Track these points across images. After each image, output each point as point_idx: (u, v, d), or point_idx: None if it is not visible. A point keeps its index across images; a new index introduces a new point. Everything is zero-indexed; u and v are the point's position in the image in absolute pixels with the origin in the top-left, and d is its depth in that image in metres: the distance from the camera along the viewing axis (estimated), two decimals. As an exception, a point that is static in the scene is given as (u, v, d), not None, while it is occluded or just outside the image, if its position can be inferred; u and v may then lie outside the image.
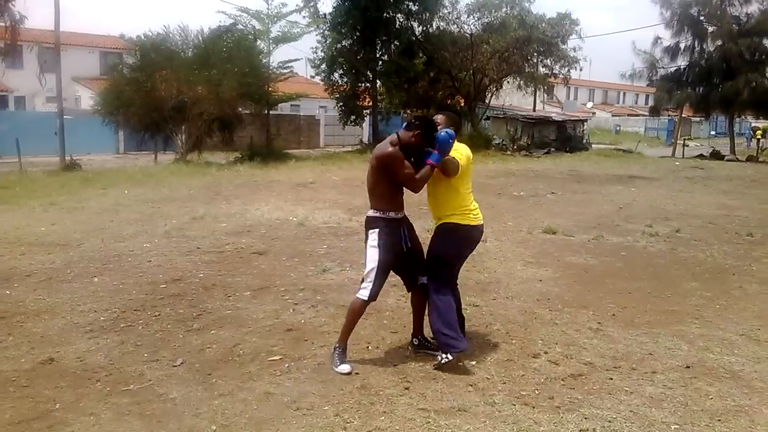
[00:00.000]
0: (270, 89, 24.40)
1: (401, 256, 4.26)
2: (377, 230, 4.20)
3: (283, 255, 7.29)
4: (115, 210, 10.22)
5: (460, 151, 4.24)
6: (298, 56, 49.00)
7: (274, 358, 4.21)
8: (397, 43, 28.92)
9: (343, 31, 27.65)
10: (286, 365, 4.09)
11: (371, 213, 4.29)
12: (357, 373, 3.98)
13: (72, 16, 67.04)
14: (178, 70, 20.03)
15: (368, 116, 31.76)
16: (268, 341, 4.52)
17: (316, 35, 28.35)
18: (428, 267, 4.29)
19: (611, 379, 4.00)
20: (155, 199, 11.69)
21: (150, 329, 4.72)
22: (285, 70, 25.86)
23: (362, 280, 4.19)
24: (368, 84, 29.53)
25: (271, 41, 24.70)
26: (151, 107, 19.90)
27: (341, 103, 29.50)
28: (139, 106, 19.87)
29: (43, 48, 22.15)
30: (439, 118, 4.33)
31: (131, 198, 11.72)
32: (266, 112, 25.38)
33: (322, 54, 28.57)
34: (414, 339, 4.52)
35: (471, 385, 3.84)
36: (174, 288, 5.82)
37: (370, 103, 30.07)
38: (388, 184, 4.21)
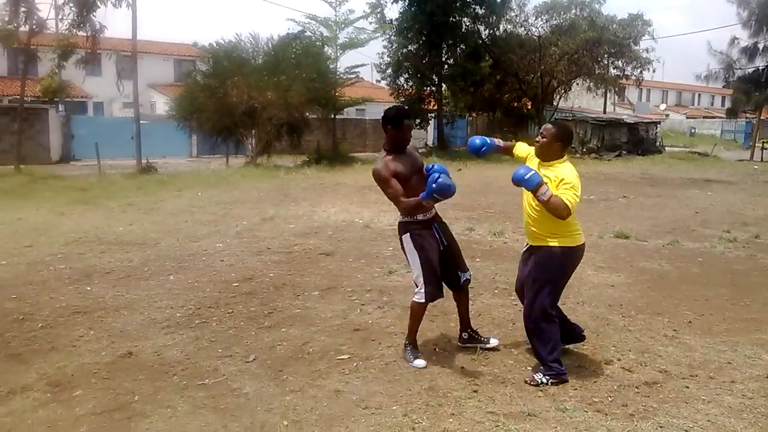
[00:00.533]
0: (337, 94, 24.72)
1: (440, 255, 4.23)
2: (408, 234, 4.24)
3: (349, 256, 7.37)
4: (190, 211, 10.60)
5: (569, 178, 3.82)
6: (365, 61, 49.33)
7: (343, 356, 4.26)
8: (463, 47, 28.78)
9: (409, 35, 27.76)
10: (355, 364, 4.13)
11: (400, 219, 4.33)
12: (425, 375, 3.98)
13: (148, 26, 69.88)
14: (249, 76, 20.57)
15: (433, 119, 31.72)
16: (337, 340, 4.58)
17: (383, 40, 28.60)
18: (533, 292, 4.00)
19: (687, 387, 3.85)
20: (227, 200, 12.04)
21: (223, 326, 4.87)
22: (351, 76, 26.14)
23: (415, 285, 4.20)
24: (433, 87, 29.50)
25: (338, 47, 25.01)
26: (223, 112, 20.51)
27: (406, 107, 29.57)
28: (211, 111, 20.52)
29: (120, 56, 23.20)
30: (546, 129, 4.00)
31: (204, 200, 12.11)
32: (333, 116, 25.73)
33: (388, 59, 28.76)
34: (463, 333, 4.50)
35: (541, 391, 3.78)
36: (246, 286, 5.98)
37: (435, 107, 30.03)
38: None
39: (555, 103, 34.11)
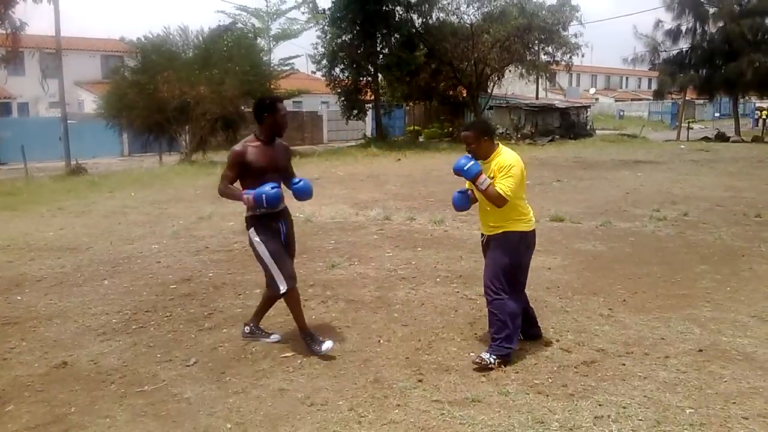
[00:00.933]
0: (272, 86, 24.40)
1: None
2: (252, 228, 4.34)
3: (291, 252, 7.29)
4: (123, 212, 10.25)
5: (507, 165, 4.00)
6: (299, 53, 48.97)
7: (287, 354, 4.22)
8: (398, 36, 28.82)
9: (342, 25, 27.60)
10: (299, 361, 4.10)
11: (245, 213, 4.40)
12: (370, 368, 3.99)
13: (72, 21, 67.11)
14: (180, 70, 20.05)
15: (370, 110, 31.73)
16: (280, 338, 4.54)
17: (316, 31, 28.37)
18: (487, 273, 4.17)
19: (624, 365, 3.99)
20: (162, 200, 11.72)
21: (162, 330, 4.74)
22: (286, 67, 25.88)
23: (273, 278, 4.26)
24: (370, 78, 29.47)
25: (271, 39, 24.77)
26: (154, 109, 19.93)
27: (343, 98, 29.46)
28: (142, 108, 19.91)
29: (44, 54, 22.23)
30: (466, 137, 4.15)
31: (138, 200, 11.75)
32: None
33: (323, 49, 28.53)
34: (248, 325, 4.59)
35: (484, 376, 3.84)
36: (184, 288, 5.84)
37: (372, 97, 30.04)
38: (251, 181, 4.21)
39: (489, 91, 34.63)
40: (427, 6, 29.20)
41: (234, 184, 4.27)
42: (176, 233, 8.47)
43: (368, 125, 35.33)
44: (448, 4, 30.61)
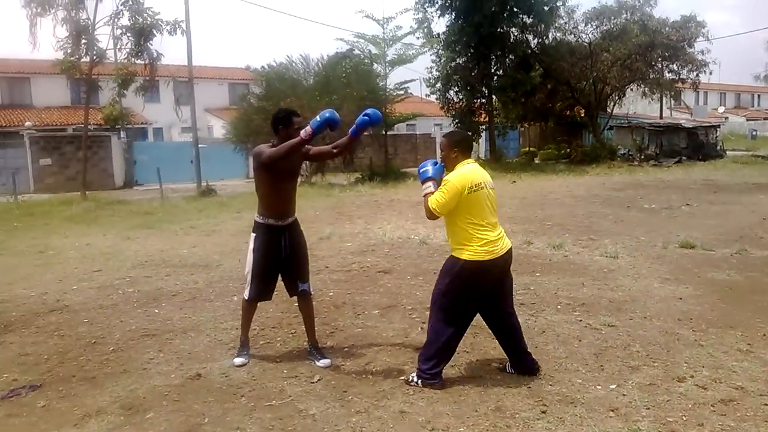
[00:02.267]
0: (387, 110, 24.89)
1: (279, 261, 4.56)
2: (254, 234, 4.67)
3: (407, 273, 7.36)
4: (249, 232, 10.74)
5: (447, 180, 3.99)
6: (414, 77, 49.55)
7: (407, 377, 4.24)
8: (512, 57, 28.53)
9: (457, 49, 27.73)
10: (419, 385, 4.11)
11: (255, 217, 4.72)
12: (491, 396, 3.92)
13: (203, 52, 71.97)
14: (301, 97, 20.92)
15: (484, 132, 31.54)
16: (399, 360, 4.57)
17: (431, 55, 28.62)
18: (433, 296, 4.21)
19: (766, 405, 3.68)
20: (283, 220, 12.21)
21: (287, 346, 4.93)
22: (401, 92, 26.30)
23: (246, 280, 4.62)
24: (484, 100, 29.35)
25: (387, 64, 25.22)
26: (277, 134, 20.89)
27: (457, 120, 29.48)
28: (266, 133, 20.84)
29: (177, 82, 23.94)
30: (441, 143, 4.25)
31: (262, 220, 12.31)
32: (384, 133, 25.90)
33: (437, 73, 28.77)
34: (307, 344, 4.77)
35: (612, 411, 3.67)
36: (306, 307, 6.03)
37: (486, 119, 29.87)
38: (267, 188, 4.59)
39: (609, 110, 33.43)
40: (542, 26, 28.74)
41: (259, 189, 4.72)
42: (298, 253, 8.77)
43: (482, 147, 35.11)
44: (565, 23, 30.01)
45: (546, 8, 27.54)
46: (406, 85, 26.53)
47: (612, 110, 33.88)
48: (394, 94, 25.84)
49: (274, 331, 5.32)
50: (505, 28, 27.64)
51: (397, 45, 25.62)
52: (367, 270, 7.65)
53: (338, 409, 3.79)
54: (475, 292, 4.07)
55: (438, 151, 26.15)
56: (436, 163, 4.19)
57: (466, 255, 3.97)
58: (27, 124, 29.63)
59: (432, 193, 4.02)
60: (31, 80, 35.20)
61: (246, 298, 4.62)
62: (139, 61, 19.23)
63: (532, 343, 4.81)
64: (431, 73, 29.06)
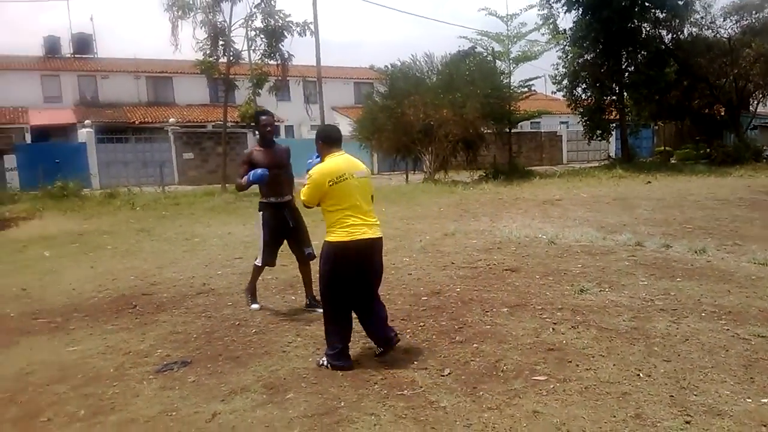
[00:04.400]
0: (511, 108, 24.52)
1: (286, 232, 5.82)
2: (261, 213, 5.84)
3: (536, 273, 7.22)
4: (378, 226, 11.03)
5: (314, 177, 4.45)
6: (538, 74, 48.40)
7: (539, 377, 4.17)
8: (645, 53, 27.11)
9: (584, 45, 26.81)
10: (552, 386, 4.02)
11: (260, 199, 5.86)
12: (630, 402, 3.78)
13: (329, 52, 74.24)
14: (425, 95, 21.10)
15: (615, 130, 30.21)
16: (530, 359, 4.50)
17: (557, 51, 27.92)
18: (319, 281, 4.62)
19: None
20: (409, 216, 12.40)
21: (417, 338, 5.00)
22: (525, 89, 25.81)
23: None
24: (614, 97, 28.13)
25: (511, 61, 24.86)
26: (401, 131, 21.23)
27: (586, 118, 28.47)
28: (390, 130, 21.33)
29: (307, 82, 24.93)
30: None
31: (389, 215, 12.58)
32: (508, 131, 25.53)
33: (564, 69, 27.95)
34: (306, 299, 6.00)
35: (764, 426, 3.41)
36: (434, 301, 6.10)
37: (617, 116, 28.60)
38: None
39: (752, 109, 30.91)
40: (677, 21, 27.13)
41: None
42: (424, 248, 8.88)
43: (612, 145, 33.67)
44: (702, 18, 28.13)
45: (680, 2, 25.96)
46: (530, 83, 26.02)
47: (756, 109, 31.31)
48: (518, 91, 25.40)
49: (404, 323, 5.41)
50: (636, 23, 26.38)
51: (522, 42, 25.23)
52: (494, 268, 7.59)
53: (469, 403, 3.80)
54: (347, 270, 4.41)
55: (564, 147, 25.75)
56: (317, 157, 4.72)
57: (331, 237, 4.44)
58: (171, 120, 32.01)
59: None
60: (173, 80, 37.97)
61: (258, 264, 5.94)
62: (271, 62, 20.21)
63: (675, 351, 4.57)
64: (557, 69, 28.31)
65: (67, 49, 38.80)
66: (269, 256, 5.87)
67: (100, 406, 3.97)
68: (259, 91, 20.97)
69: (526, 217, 11.71)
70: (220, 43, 19.63)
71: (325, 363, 4.44)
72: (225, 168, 21.15)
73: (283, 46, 19.98)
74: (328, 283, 4.46)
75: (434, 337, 5.03)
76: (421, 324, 5.36)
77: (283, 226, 5.78)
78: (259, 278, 6.32)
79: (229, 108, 22.31)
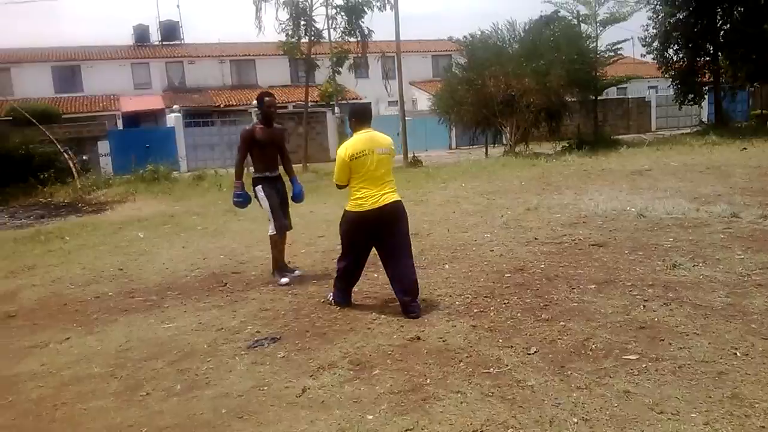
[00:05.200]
0: (597, 74, 23.59)
1: (284, 200, 6.53)
2: (259, 186, 6.38)
3: (624, 248, 6.97)
4: (456, 202, 10.99)
5: (339, 155, 5.12)
6: (626, 36, 46.21)
7: (630, 356, 4.05)
8: (741, 9, 25.29)
9: (677, 2, 25.29)
10: (644, 365, 3.89)
11: (253, 174, 6.45)
12: (726, 382, 3.61)
13: (406, 26, 73.59)
14: (506, 64, 20.60)
15: (708, 93, 28.54)
16: (621, 338, 4.37)
17: (647, 12, 26.48)
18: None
19: None
20: (490, 191, 12.23)
21: (501, 316, 4.95)
22: (613, 53, 24.73)
23: (269, 222, 6.49)
24: (708, 58, 26.51)
25: (598, 24, 23.83)
26: (482, 103, 20.87)
27: (677, 82, 27.01)
28: (470, 103, 21.01)
29: (385, 57, 24.85)
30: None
31: (468, 190, 12.47)
32: (593, 98, 24.60)
33: (654, 31, 26.56)
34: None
35: None
36: (518, 277, 6.01)
37: (711, 79, 26.97)
38: (257, 153, 6.37)
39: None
40: (778, -29, 25.09)
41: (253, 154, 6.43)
42: (506, 223, 8.75)
43: (705, 110, 31.88)
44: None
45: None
46: (618, 46, 24.90)
47: None
48: (605, 56, 24.37)
49: (487, 300, 5.37)
50: (732, -24, 24.61)
51: (609, 3, 24.10)
52: (580, 243, 7.38)
53: (557, 383, 3.74)
54: (356, 236, 5.24)
55: (653, 114, 24.62)
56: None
57: (347, 207, 5.21)
58: (254, 102, 32.78)
59: None
60: (256, 62, 38.85)
61: (272, 233, 6.42)
62: (351, 39, 20.28)
63: (778, 328, 4.32)
64: (647, 31, 26.93)
65: (155, 37, 40.42)
66: (282, 219, 6.45)
67: (196, 380, 4.17)
68: (339, 69, 21.13)
69: (613, 189, 11.30)
70: (302, 23, 19.88)
71: (330, 299, 5.51)
72: (307, 147, 21.53)
73: (363, 22, 20.04)
74: (342, 241, 5.39)
75: (519, 314, 4.96)
76: (505, 301, 5.30)
77: (278, 194, 6.47)
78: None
79: (309, 88, 22.63)
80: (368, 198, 5.05)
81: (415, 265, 6.67)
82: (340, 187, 5.27)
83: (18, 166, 16.80)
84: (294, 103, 33.93)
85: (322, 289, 6.05)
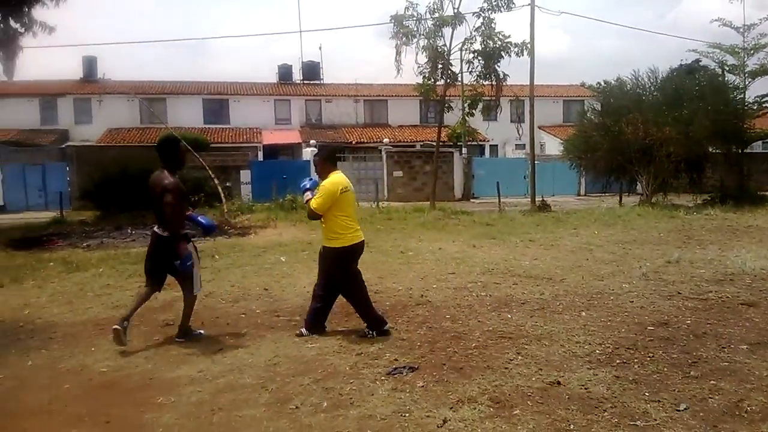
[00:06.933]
0: (744, 126, 22.23)
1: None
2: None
3: (780, 310, 6.51)
4: (588, 249, 10.73)
5: (328, 187, 5.59)
6: (778, 87, 43.19)
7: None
8: None
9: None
10: (809, 434, 3.65)
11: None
12: None
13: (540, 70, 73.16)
14: (645, 112, 19.92)
15: None
16: (780, 403, 4.11)
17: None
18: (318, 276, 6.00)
19: None
20: (625, 240, 11.83)
21: (646, 369, 4.79)
22: (762, 105, 23.22)
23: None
24: None
25: (746, 75, 22.55)
26: (617, 150, 20.25)
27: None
28: (605, 150, 20.44)
29: (513, 101, 24.83)
30: (314, 158, 6.26)
31: (602, 238, 12.12)
32: (739, 151, 23.15)
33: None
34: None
35: None
36: (662, 331, 5.78)
37: None
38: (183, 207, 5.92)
39: None
40: None
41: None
42: (645, 275, 8.42)
43: None
44: None
45: None
46: (767, 98, 23.33)
47: None
48: (754, 108, 22.94)
49: (630, 352, 5.21)
50: None
51: (760, 54, 22.75)
52: (727, 301, 6.98)
53: (711, 442, 3.58)
54: (349, 267, 5.76)
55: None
56: (311, 180, 5.87)
57: (339, 243, 5.62)
58: (385, 140, 33.84)
59: (311, 199, 5.60)
60: (388, 102, 40.22)
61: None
62: (485, 83, 20.53)
63: None
64: (803, 81, 24.99)
65: (297, 75, 42.93)
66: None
67: (340, 400, 4.37)
68: (473, 111, 21.42)
69: (762, 247, 10.57)
70: (439, 66, 20.40)
71: (371, 333, 5.76)
72: (435, 186, 21.85)
73: (498, 66, 20.24)
74: (337, 276, 5.75)
75: (665, 369, 4.78)
76: (650, 355, 5.13)
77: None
78: (471, 294, 6.48)
79: (436, 128, 23.00)
80: (354, 231, 5.69)
81: (549, 309, 6.69)
82: (314, 217, 5.67)
83: (172, 188, 18.31)
84: (422, 143, 34.63)
85: (455, 325, 6.14)
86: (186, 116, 36.21)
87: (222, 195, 17.01)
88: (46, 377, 5.03)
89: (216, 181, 17.10)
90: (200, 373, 5.01)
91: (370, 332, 5.78)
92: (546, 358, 5.11)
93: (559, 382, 4.55)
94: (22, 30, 19.62)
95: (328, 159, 5.89)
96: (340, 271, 5.78)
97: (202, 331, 6.12)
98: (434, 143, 23.39)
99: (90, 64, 39.45)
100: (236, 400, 4.43)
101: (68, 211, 20.37)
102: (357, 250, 5.79)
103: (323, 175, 5.75)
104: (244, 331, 6.21)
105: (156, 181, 5.64)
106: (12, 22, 19.53)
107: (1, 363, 5.38)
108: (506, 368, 4.89)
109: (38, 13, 19.73)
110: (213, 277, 8.87)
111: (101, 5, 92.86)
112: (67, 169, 25.19)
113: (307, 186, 5.81)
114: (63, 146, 30.47)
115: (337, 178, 5.65)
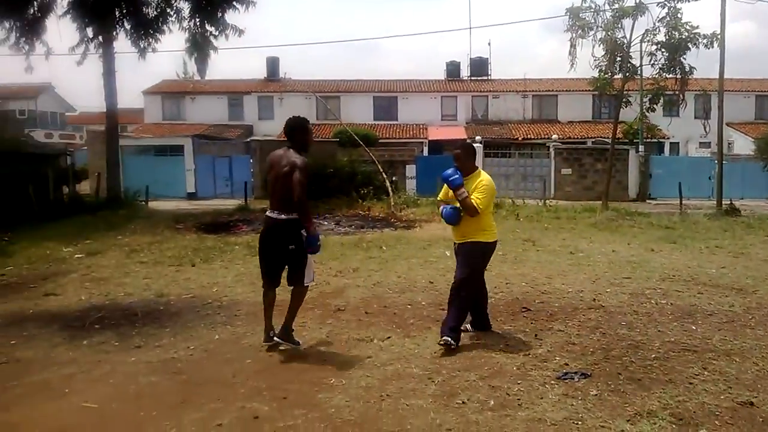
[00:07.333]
0: None
1: None
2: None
3: None
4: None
5: (483, 183, 5.48)
6: None
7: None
8: None
9: None
10: None
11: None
12: None
13: (730, 63, 66.60)
14: None
15: None
16: None
17: None
18: (459, 272, 5.62)
19: None
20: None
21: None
22: None
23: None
24: None
25: None
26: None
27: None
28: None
29: (699, 95, 22.77)
30: (455, 153, 5.73)
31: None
32: None
33: None
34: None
35: None
36: None
37: None
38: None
39: None
40: None
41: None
42: None
43: None
44: None
45: None
46: None
47: None
48: None
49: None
50: None
51: None
52: None
53: None
54: (486, 264, 5.80)
55: None
56: (456, 171, 5.44)
57: (488, 237, 5.56)
58: (553, 137, 32.76)
59: (468, 195, 5.36)
60: (558, 97, 38.88)
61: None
62: (669, 76, 19.08)
63: None
64: None
65: (465, 72, 42.91)
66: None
67: (508, 399, 4.29)
68: (654, 106, 20.00)
69: None
70: (618, 59, 19.32)
71: (451, 342, 5.30)
72: (609, 185, 20.75)
73: (684, 59, 18.70)
74: (476, 275, 5.63)
75: None
76: None
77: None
78: (650, 301, 6.04)
79: (612, 123, 21.79)
80: (495, 228, 5.74)
81: (740, 322, 6.08)
82: (477, 214, 5.40)
83: (343, 181, 19.27)
84: (593, 139, 33.05)
85: (632, 333, 5.77)
86: (357, 113, 37.61)
87: (389, 188, 17.45)
88: (231, 351, 5.46)
89: (384, 176, 17.57)
90: (369, 359, 5.17)
91: (450, 341, 5.30)
92: (736, 375, 4.65)
93: (752, 403, 4.13)
94: (216, 33, 21.49)
95: (472, 155, 5.82)
96: (484, 265, 5.79)
97: (300, 342, 5.53)
98: (607, 140, 22.22)
99: (273, 64, 42.42)
100: (404, 389, 4.51)
101: (251, 199, 22.03)
102: (493, 249, 5.80)
103: (467, 170, 5.58)
104: (411, 321, 6.31)
105: (280, 158, 5.38)
106: (207, 26, 21.46)
107: (193, 335, 5.93)
108: (690, 383, 4.51)
109: (230, 17, 21.48)
110: (381, 267, 9.13)
111: (283, 7, 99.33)
112: (251, 161, 27.19)
113: (459, 181, 5.40)
114: (248, 140, 33.10)
115: (488, 175, 5.67)
